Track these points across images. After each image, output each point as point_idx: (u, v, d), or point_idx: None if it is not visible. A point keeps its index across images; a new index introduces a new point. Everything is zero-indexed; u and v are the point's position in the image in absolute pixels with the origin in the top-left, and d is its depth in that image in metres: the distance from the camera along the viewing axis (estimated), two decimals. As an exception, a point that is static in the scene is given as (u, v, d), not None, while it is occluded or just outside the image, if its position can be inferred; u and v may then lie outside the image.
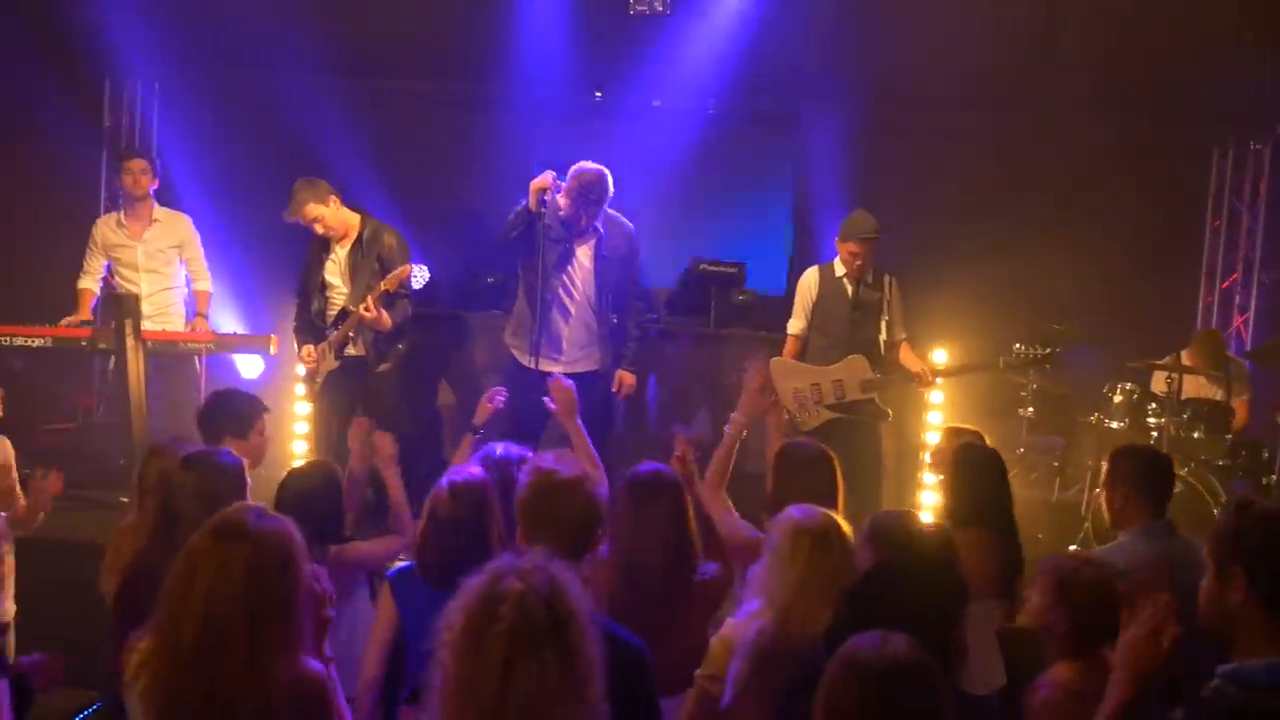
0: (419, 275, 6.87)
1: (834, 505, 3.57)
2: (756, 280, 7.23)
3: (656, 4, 7.16)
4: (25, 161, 7.70)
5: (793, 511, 3.02)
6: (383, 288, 5.53)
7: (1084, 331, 6.86)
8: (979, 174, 7.56)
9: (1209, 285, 8.13)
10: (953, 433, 4.58)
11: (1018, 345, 5.87)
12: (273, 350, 6.36)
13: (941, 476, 4.48)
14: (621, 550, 3.35)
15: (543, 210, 5.12)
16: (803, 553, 2.90)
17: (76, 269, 6.84)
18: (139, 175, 6.47)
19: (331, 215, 5.74)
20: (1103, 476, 3.86)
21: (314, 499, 3.71)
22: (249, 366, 6.89)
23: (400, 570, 3.47)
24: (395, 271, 5.56)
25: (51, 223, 7.71)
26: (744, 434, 4.07)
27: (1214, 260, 8.10)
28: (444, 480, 3.36)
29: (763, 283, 7.37)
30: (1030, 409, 6.77)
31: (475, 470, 3.50)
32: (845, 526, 3.06)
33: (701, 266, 6.89)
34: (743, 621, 2.98)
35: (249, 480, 3.48)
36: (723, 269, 6.92)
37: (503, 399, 4.46)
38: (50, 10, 7.26)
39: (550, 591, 2.00)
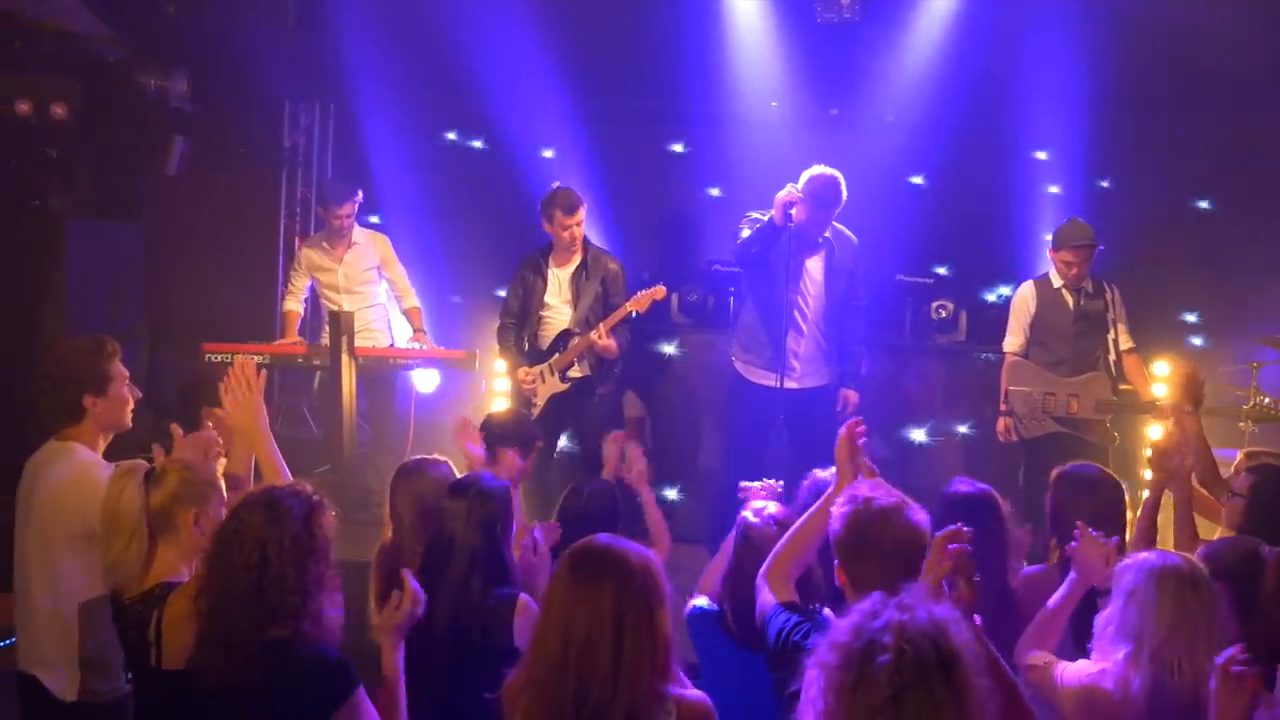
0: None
1: (1121, 533, 3.43)
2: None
3: (845, 12, 7.00)
4: (207, 188, 7.81)
5: (1152, 557, 2.82)
6: (630, 308, 5.54)
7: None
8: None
9: None
10: (1253, 457, 4.40)
11: (1266, 399, 5.73)
12: (475, 367, 6.41)
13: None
14: None
15: (789, 224, 5.03)
16: (1170, 597, 2.71)
17: (256, 287, 6.82)
18: (344, 219, 6.50)
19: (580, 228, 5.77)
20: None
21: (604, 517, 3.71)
22: (424, 381, 6.92)
23: (702, 612, 3.36)
24: (649, 291, 5.57)
25: (234, 244, 7.89)
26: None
27: None
28: (755, 515, 3.24)
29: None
30: (1250, 421, 6.49)
31: (772, 503, 3.39)
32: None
33: (897, 277, 6.74)
34: (1101, 672, 2.77)
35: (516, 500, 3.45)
36: (919, 280, 6.76)
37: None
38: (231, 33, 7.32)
39: (935, 627, 1.87)
